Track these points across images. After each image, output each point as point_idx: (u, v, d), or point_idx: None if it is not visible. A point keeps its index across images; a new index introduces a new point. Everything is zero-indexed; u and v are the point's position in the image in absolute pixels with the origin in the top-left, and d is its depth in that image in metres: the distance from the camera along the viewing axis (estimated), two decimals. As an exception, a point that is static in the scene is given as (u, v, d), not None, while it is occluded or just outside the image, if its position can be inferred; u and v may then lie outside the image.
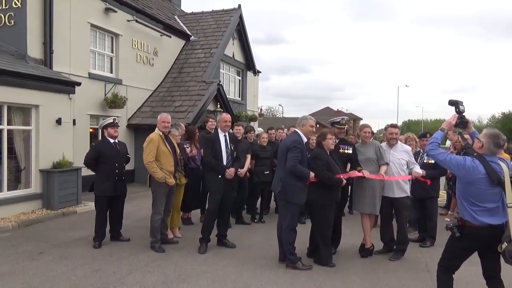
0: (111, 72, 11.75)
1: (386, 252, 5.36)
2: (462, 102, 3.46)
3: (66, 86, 8.62)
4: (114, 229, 5.83)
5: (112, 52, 11.77)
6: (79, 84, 8.98)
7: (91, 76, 10.67)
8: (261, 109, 33.52)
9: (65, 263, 4.82)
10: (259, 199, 7.53)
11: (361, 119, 58.40)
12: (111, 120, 5.80)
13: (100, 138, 8.89)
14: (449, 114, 3.57)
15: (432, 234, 5.84)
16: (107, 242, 5.67)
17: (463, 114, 3.44)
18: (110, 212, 5.75)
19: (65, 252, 5.26)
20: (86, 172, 6.77)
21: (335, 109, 53.61)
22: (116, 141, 5.83)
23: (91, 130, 10.78)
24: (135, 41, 12.33)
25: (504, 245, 2.99)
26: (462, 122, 3.44)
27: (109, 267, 4.71)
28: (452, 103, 3.49)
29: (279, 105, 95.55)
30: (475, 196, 3.15)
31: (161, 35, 13.46)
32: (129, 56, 12.14)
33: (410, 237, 5.62)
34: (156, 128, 5.54)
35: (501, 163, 3.18)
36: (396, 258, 5.17)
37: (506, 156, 6.82)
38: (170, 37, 13.99)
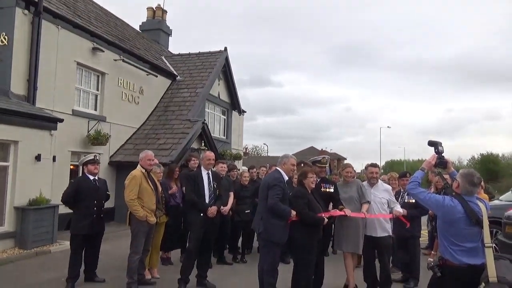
0: (95, 109, 11.75)
1: (370, 293, 5.26)
2: (441, 143, 3.57)
3: (47, 122, 8.56)
4: (89, 269, 5.60)
5: (98, 90, 11.83)
6: (61, 120, 8.94)
7: (75, 113, 10.63)
8: (246, 148, 33.74)
9: (34, 307, 4.56)
10: (241, 238, 7.39)
11: (345, 158, 59.04)
12: (92, 157, 5.73)
13: (80, 174, 8.73)
14: (430, 154, 3.67)
15: (415, 275, 5.78)
16: (81, 283, 5.42)
17: (442, 154, 3.54)
18: (86, 251, 5.55)
19: (35, 295, 4.99)
20: (64, 210, 6.58)
21: (320, 148, 54.25)
22: (96, 177, 5.73)
23: (71, 166, 10.60)
24: (121, 80, 12.46)
25: (482, 285, 2.98)
26: (441, 162, 3.54)
27: (81, 310, 4.47)
28: (431, 143, 3.61)
29: (264, 144, 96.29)
30: (454, 235, 3.17)
31: (147, 75, 13.66)
32: (114, 94, 12.21)
33: (393, 277, 5.55)
34: (139, 165, 5.49)
35: (480, 203, 3.23)
36: (379, 299, 5.07)
37: (484, 196, 6.97)
38: (157, 76, 14.20)
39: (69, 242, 5.64)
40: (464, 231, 3.13)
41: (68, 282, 5.28)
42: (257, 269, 4.92)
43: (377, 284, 5.25)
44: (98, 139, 10.89)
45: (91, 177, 5.64)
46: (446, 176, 3.73)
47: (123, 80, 12.56)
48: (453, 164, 3.78)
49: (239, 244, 7.38)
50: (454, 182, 3.32)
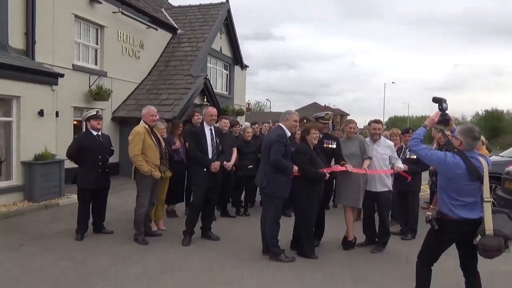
0: (96, 64, 11.57)
1: (368, 244, 5.45)
2: (445, 100, 3.55)
3: (48, 77, 8.46)
4: (97, 222, 5.78)
5: (97, 44, 11.58)
6: (62, 75, 8.83)
7: (75, 68, 10.49)
8: (248, 104, 33.54)
9: (45, 256, 4.76)
10: (244, 193, 7.55)
11: (348, 114, 58.86)
12: (94, 112, 5.73)
13: (83, 130, 8.78)
14: (434, 111, 3.66)
15: (413, 227, 5.96)
16: (90, 235, 5.63)
17: (446, 111, 3.54)
18: (93, 204, 5.71)
19: (46, 245, 5.19)
20: (70, 164, 6.67)
21: (323, 104, 53.90)
22: (100, 133, 5.76)
23: (75, 122, 10.62)
24: (120, 33, 12.15)
25: (478, 238, 3.07)
26: (444, 120, 3.54)
27: (91, 259, 4.68)
28: (435, 100, 3.59)
29: (267, 99, 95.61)
30: (455, 191, 3.22)
31: (147, 28, 13.29)
32: (114, 48, 11.97)
33: (392, 230, 5.72)
34: (142, 121, 5.50)
35: (481, 159, 3.27)
36: (377, 251, 5.26)
37: (485, 152, 7.01)
38: (157, 29, 13.82)
39: (76, 196, 5.79)
40: (465, 187, 3.19)
41: (78, 233, 5.48)
42: (260, 221, 5.07)
43: (375, 236, 5.43)
44: (100, 94, 10.82)
45: (95, 133, 5.67)
46: (448, 133, 3.73)
47: (123, 33, 12.24)
48: (456, 120, 3.79)
49: (242, 198, 7.55)
50: (456, 140, 3.33)
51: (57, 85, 8.66)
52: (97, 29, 11.52)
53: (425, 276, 3.45)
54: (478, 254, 3.24)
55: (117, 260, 4.65)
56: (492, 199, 7.43)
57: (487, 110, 53.31)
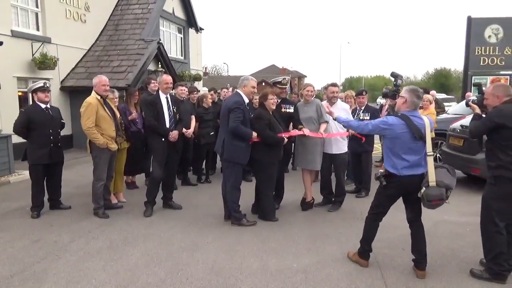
0: (38, 29, 10.75)
1: (325, 204, 5.72)
2: (401, 76, 3.81)
3: (-15, 45, 7.79)
4: (53, 197, 5.61)
5: (37, 7, 10.71)
6: (0, 43, 8.15)
7: (14, 34, 9.70)
8: (205, 68, 32.81)
9: (0, 236, 4.60)
10: (204, 160, 7.57)
11: (306, 76, 59.23)
12: (41, 84, 5.36)
13: (30, 102, 8.27)
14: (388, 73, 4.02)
15: (366, 186, 6.30)
16: (47, 212, 5.47)
17: (399, 87, 3.81)
18: (47, 180, 5.51)
19: (0, 224, 5.00)
20: (18, 139, 6.33)
21: (280, 67, 53.63)
22: (48, 106, 5.46)
23: (20, 93, 9.97)
24: (62, -5, 11.28)
25: (423, 189, 3.34)
26: (394, 95, 3.80)
27: (50, 236, 4.58)
28: (394, 75, 3.84)
29: (224, 63, 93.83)
30: (400, 148, 3.45)
31: (92, -12, 12.41)
32: (57, 11, 11.13)
33: (347, 189, 6.02)
34: (93, 92, 5.26)
35: (424, 118, 3.52)
36: (334, 209, 5.55)
37: (432, 111, 7.39)
38: (103, -10, 12.95)
39: (28, 172, 5.54)
40: (408, 145, 3.42)
41: (33, 210, 5.30)
42: (221, 188, 5.15)
43: (332, 196, 5.70)
44: (45, 63, 10.15)
45: (43, 106, 5.35)
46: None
47: (65, -5, 11.37)
48: (408, 79, 4.19)
49: (203, 165, 7.56)
50: (400, 99, 3.57)
51: (-4, 54, 8.02)
52: (35, -9, 10.61)
53: (372, 229, 3.72)
54: (421, 207, 3.53)
55: (77, 236, 4.59)
56: (438, 154, 8.00)
57: (436, 68, 55.65)
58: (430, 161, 3.39)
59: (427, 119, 3.52)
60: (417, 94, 3.49)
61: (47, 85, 5.43)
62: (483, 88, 3.82)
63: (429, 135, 3.44)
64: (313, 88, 5.72)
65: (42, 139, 5.25)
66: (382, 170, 3.68)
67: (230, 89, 9.18)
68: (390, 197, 3.61)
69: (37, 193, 5.34)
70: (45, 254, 4.09)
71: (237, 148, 4.79)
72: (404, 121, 3.42)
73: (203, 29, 19.65)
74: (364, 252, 3.77)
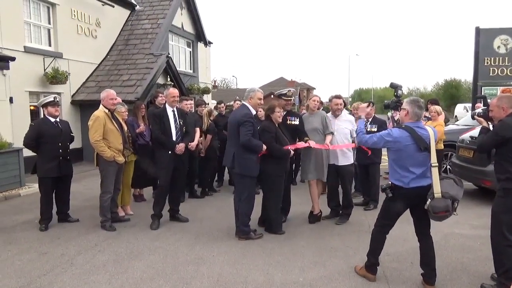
0: (50, 45, 11.01)
1: (333, 217, 5.66)
2: (401, 87, 3.80)
3: (-2, 61, 8.00)
4: (62, 210, 5.65)
5: (50, 23, 10.98)
6: (13, 58, 8.36)
7: (27, 50, 9.94)
8: (215, 81, 33.08)
9: (9, 249, 4.64)
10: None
11: (314, 88, 59.31)
12: (52, 99, 5.47)
13: (42, 116, 8.41)
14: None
15: (375, 198, 6.23)
16: (55, 224, 5.51)
17: (400, 98, 3.78)
18: (56, 193, 5.56)
19: (9, 237, 5.05)
20: (29, 152, 6.43)
21: (289, 79, 53.85)
22: (58, 120, 5.55)
23: (32, 107, 10.16)
24: (74, 11, 11.56)
25: (428, 201, 3.29)
26: (396, 106, 3.78)
27: (57, 249, 4.60)
28: (393, 86, 3.82)
29: (233, 76, 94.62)
30: (405, 161, 3.40)
31: (103, 5, 12.70)
32: (68, 27, 11.40)
33: (355, 201, 5.96)
34: (101, 105, 5.34)
35: (428, 129, 3.49)
36: (341, 222, 5.48)
37: (441, 123, 7.32)
38: (113, 6, 13.24)
39: (38, 185, 5.61)
40: (413, 157, 3.38)
41: (42, 223, 5.35)
42: (228, 200, 5.12)
43: (339, 208, 5.64)
44: (56, 78, 10.36)
45: (52, 119, 5.45)
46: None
47: (77, 11, 11.66)
48: (418, 90, 4.20)
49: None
50: (403, 111, 3.55)
51: (8, 69, 8.23)
52: (48, 8, 10.91)
53: (379, 242, 3.66)
54: (429, 220, 3.46)
55: (84, 249, 4.60)
56: (448, 166, 7.89)
57: (446, 79, 55.24)
58: (435, 172, 3.35)
59: (431, 129, 3.49)
60: (418, 104, 3.47)
61: (57, 99, 5.54)
62: (488, 100, 3.79)
63: (433, 146, 3.40)
64: (319, 98, 5.75)
65: (51, 152, 5.32)
66: (388, 182, 3.63)
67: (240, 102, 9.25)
68: (396, 209, 3.55)
69: (46, 205, 5.39)
70: (51, 267, 4.10)
71: (248, 161, 4.77)
72: (409, 133, 3.39)
73: (212, 43, 19.90)
74: (371, 266, 3.70)
